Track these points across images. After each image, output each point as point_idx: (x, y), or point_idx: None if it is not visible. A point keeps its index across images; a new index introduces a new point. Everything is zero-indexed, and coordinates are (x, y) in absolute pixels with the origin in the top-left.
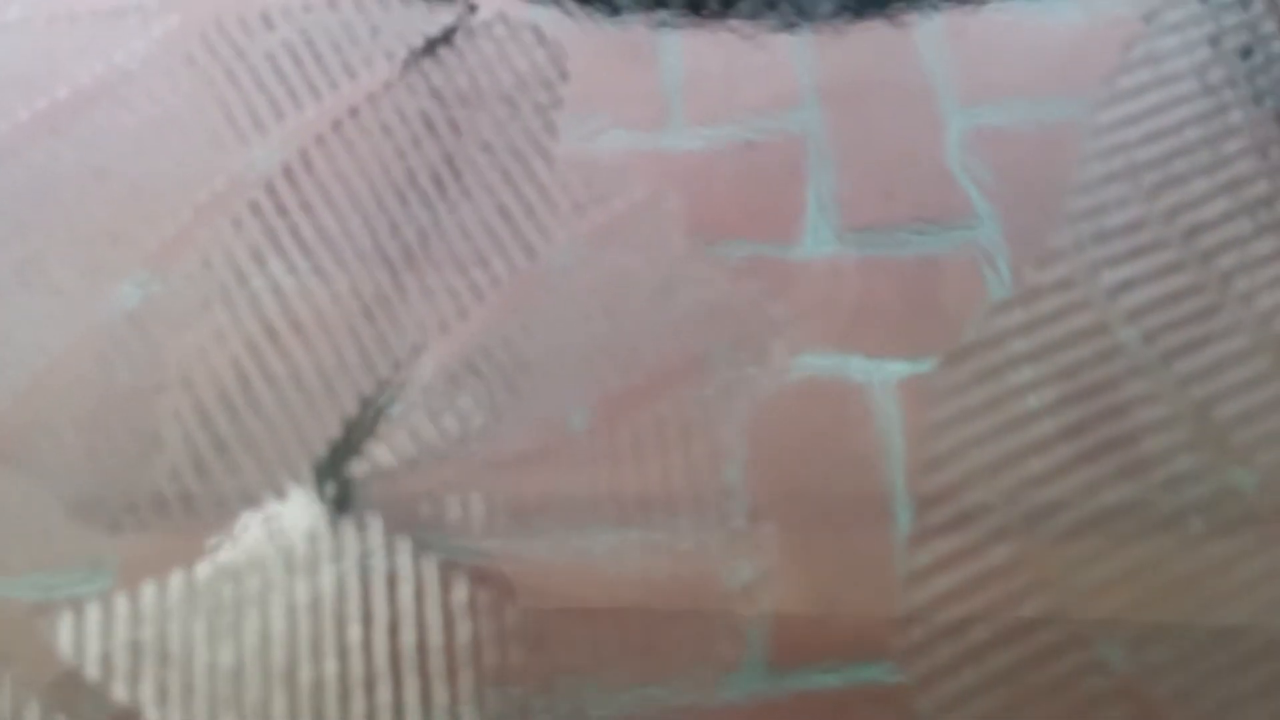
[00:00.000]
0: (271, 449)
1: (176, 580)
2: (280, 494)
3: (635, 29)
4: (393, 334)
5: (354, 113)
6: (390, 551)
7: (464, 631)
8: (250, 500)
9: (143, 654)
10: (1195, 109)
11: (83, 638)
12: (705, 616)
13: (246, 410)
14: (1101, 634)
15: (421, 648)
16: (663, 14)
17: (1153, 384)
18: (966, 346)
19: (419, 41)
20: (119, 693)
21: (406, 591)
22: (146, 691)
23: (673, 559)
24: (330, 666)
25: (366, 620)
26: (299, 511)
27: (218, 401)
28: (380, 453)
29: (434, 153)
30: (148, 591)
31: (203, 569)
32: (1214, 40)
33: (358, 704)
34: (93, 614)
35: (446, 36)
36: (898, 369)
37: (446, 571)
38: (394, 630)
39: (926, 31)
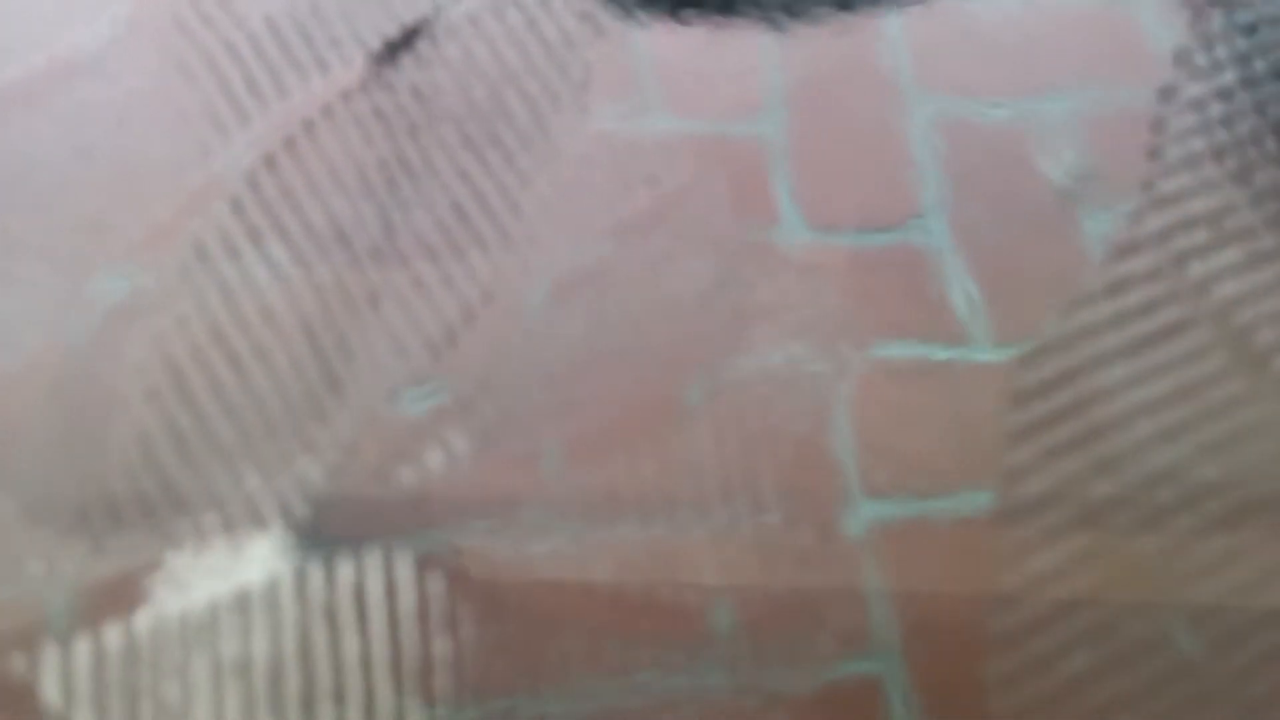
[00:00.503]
0: (268, 448)
1: (141, 616)
2: (255, 510)
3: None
4: (402, 326)
5: (364, 85)
6: (359, 597)
7: (448, 642)
8: (248, 501)
9: (108, 691)
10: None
11: (42, 669)
12: (685, 611)
13: (242, 406)
14: (1170, 610)
15: (396, 655)
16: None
17: (1238, 372)
18: (1053, 340)
19: (432, 9)
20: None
21: (379, 641)
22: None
23: (648, 547)
24: (302, 679)
25: (331, 619)
26: (273, 541)
27: (209, 398)
28: (367, 460)
29: (450, 131)
30: (111, 626)
31: (167, 601)
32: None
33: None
34: (52, 645)
35: (461, 5)
36: (856, 356)
37: (420, 560)
38: (362, 625)
39: (889, 29)
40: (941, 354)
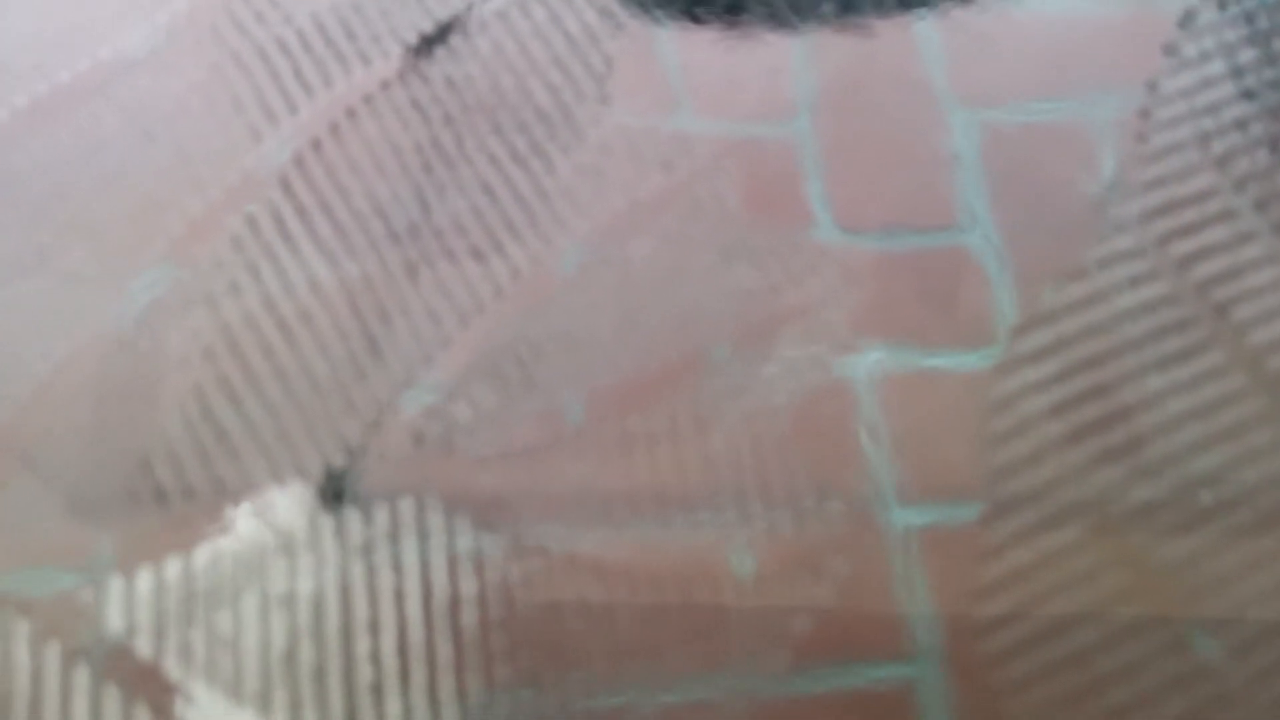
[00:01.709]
0: (276, 433)
1: (173, 566)
2: (300, 463)
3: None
4: (437, 297)
5: (402, 76)
6: (394, 540)
7: (470, 618)
8: (252, 487)
9: (166, 621)
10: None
11: (106, 598)
12: (710, 610)
13: (249, 395)
14: (1181, 618)
15: (428, 634)
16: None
17: (1227, 354)
18: (1033, 319)
19: (465, 5)
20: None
21: (411, 579)
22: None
23: (679, 552)
24: (334, 652)
25: (372, 606)
26: (296, 501)
27: (218, 388)
28: (388, 441)
29: (481, 119)
30: (170, 562)
31: (200, 555)
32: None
33: (365, 695)
34: (116, 577)
35: (490, 3)
36: (888, 357)
37: (451, 559)
38: (400, 618)
39: (921, 32)
40: (972, 358)
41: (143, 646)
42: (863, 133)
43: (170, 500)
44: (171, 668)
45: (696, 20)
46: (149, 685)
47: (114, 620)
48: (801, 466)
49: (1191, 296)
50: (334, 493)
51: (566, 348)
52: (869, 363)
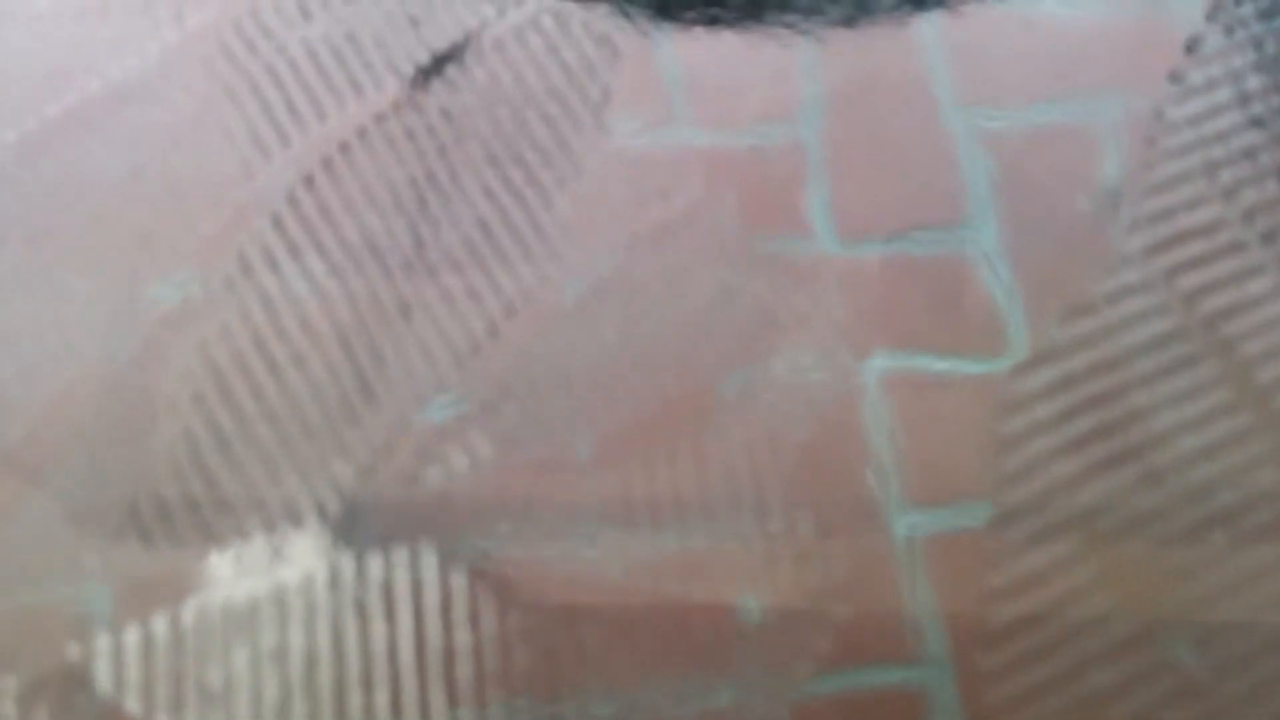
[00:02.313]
0: (305, 452)
1: (188, 607)
2: (292, 509)
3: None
4: (431, 337)
5: (397, 107)
6: (388, 589)
7: (470, 637)
8: (285, 502)
9: (155, 678)
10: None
11: (94, 656)
12: (719, 617)
13: (281, 412)
14: (1174, 628)
15: (422, 652)
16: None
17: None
18: (1043, 354)
19: (462, 35)
20: (133, 708)
21: (404, 629)
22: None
23: (679, 555)
24: (340, 671)
25: (365, 659)
26: (309, 539)
27: (250, 404)
28: (404, 456)
29: (477, 151)
30: (158, 617)
31: (210, 595)
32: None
33: (355, 698)
34: (104, 634)
35: (489, 31)
36: (891, 362)
37: (459, 578)
38: (404, 635)
39: (926, 36)
40: (976, 366)
41: (132, 705)
42: (867, 137)
43: (158, 541)
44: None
45: (714, 22)
46: None
47: (103, 679)
48: (810, 475)
49: (1199, 330)
50: (328, 540)
51: (566, 385)
52: (874, 370)
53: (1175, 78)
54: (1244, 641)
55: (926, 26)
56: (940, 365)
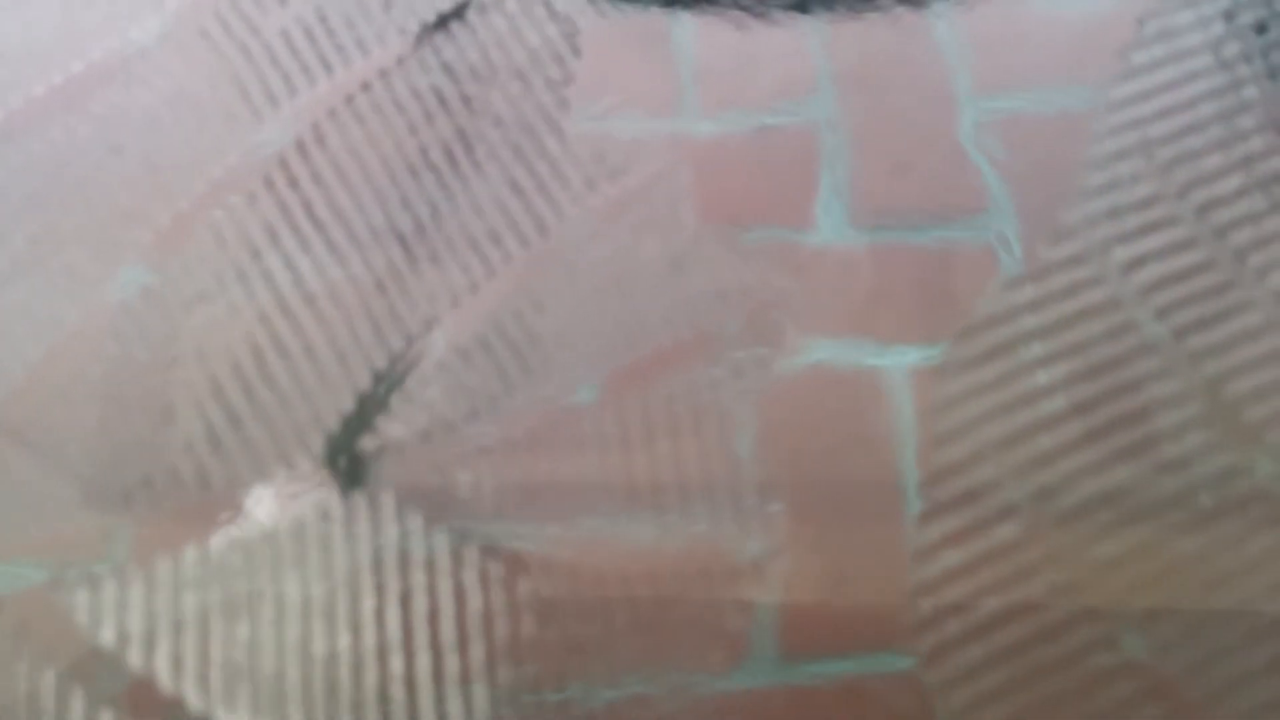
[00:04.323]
0: (285, 423)
1: (190, 554)
2: (293, 468)
3: (649, 12)
4: (405, 309)
5: (366, 87)
6: (402, 526)
7: (474, 606)
8: (264, 474)
9: (158, 625)
10: (1209, 84)
11: (100, 611)
12: (715, 599)
13: (261, 385)
14: (1114, 613)
15: (433, 622)
16: None
17: (1164, 361)
18: (978, 323)
19: (431, 16)
20: (135, 660)
21: (418, 566)
22: (162, 661)
23: (683, 540)
24: (343, 639)
25: (379, 593)
26: (309, 486)
27: (232, 377)
28: (393, 427)
29: (446, 128)
30: (162, 565)
31: (216, 542)
32: (1229, 15)
33: (370, 675)
34: (109, 588)
35: (459, 11)
36: (910, 355)
37: (457, 546)
38: (406, 604)
39: (941, 16)
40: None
41: (138, 656)
42: (876, 125)
43: (184, 482)
44: (175, 679)
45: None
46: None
47: (120, 626)
48: (814, 461)
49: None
50: (348, 476)
51: (568, 336)
52: (879, 357)
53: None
54: (1211, 639)
55: (937, 15)
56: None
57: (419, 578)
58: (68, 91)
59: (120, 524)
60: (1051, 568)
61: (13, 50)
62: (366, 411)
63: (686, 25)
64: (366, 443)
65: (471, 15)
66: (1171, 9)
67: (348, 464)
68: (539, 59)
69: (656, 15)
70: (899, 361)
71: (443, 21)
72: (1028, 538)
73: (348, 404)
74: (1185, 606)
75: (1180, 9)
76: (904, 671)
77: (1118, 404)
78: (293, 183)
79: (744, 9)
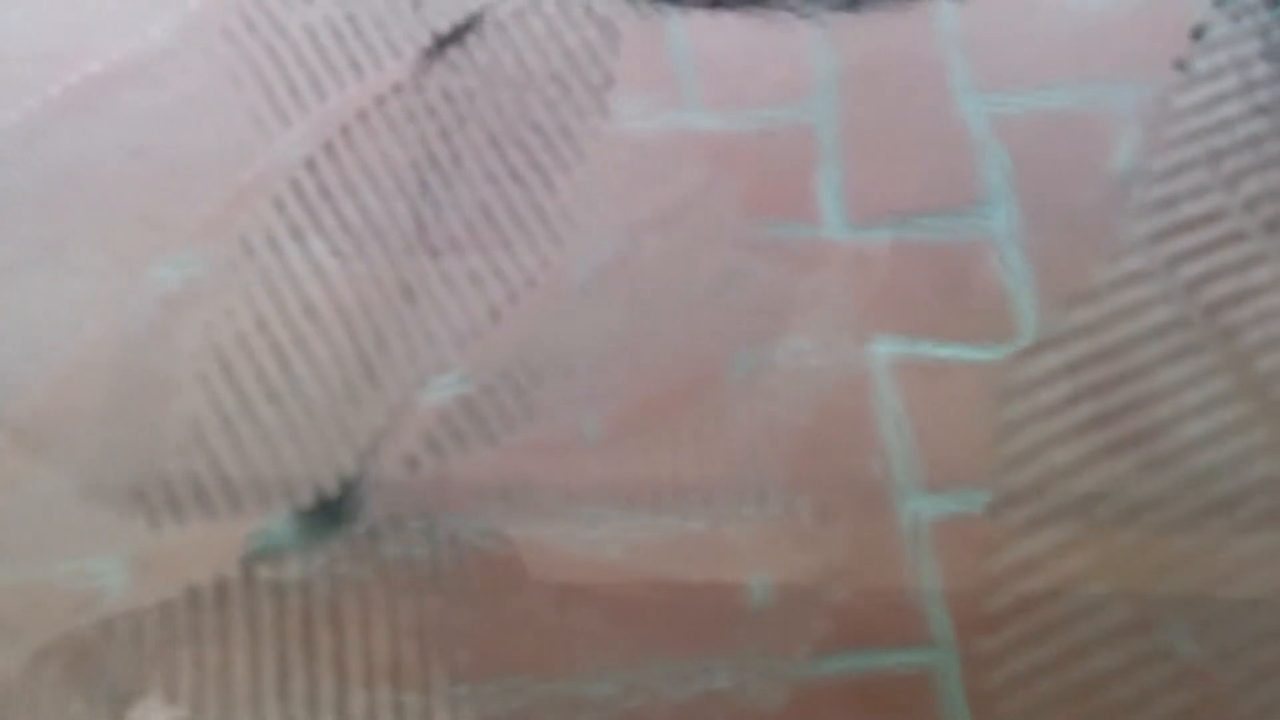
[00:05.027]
0: (308, 432)
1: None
2: (291, 488)
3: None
4: (433, 320)
5: (398, 89)
6: (405, 533)
7: (469, 611)
8: (286, 482)
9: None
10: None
11: (104, 627)
12: (721, 599)
13: (284, 393)
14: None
15: (423, 629)
16: None
17: (1230, 379)
18: (1042, 343)
19: (462, 17)
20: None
21: (419, 568)
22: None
23: (688, 542)
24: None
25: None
26: (301, 520)
27: (254, 384)
28: (405, 439)
29: (478, 134)
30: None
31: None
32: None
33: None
34: (114, 606)
35: (491, 12)
36: (906, 346)
37: (458, 551)
38: (407, 612)
39: (941, 16)
40: (984, 352)
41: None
42: (878, 122)
43: (163, 517)
44: None
45: (717, 4)
46: None
47: (113, 655)
48: (814, 459)
49: (1200, 318)
50: (325, 519)
51: (568, 372)
52: (881, 355)
53: (1181, 65)
54: (1242, 627)
55: (938, 12)
56: (948, 351)
57: (418, 577)
58: (86, 92)
59: (131, 533)
60: (1161, 565)
61: (27, 50)
62: (361, 450)
63: (686, 24)
64: (376, 456)
65: (506, 17)
66: (1224, 17)
67: (353, 478)
68: (576, 62)
69: (657, 16)
70: (888, 355)
71: (476, 22)
72: (1088, 535)
73: (338, 441)
74: (1243, 608)
75: (1231, 19)
76: (906, 665)
77: (1175, 425)
78: (321, 187)
79: (791, 9)
